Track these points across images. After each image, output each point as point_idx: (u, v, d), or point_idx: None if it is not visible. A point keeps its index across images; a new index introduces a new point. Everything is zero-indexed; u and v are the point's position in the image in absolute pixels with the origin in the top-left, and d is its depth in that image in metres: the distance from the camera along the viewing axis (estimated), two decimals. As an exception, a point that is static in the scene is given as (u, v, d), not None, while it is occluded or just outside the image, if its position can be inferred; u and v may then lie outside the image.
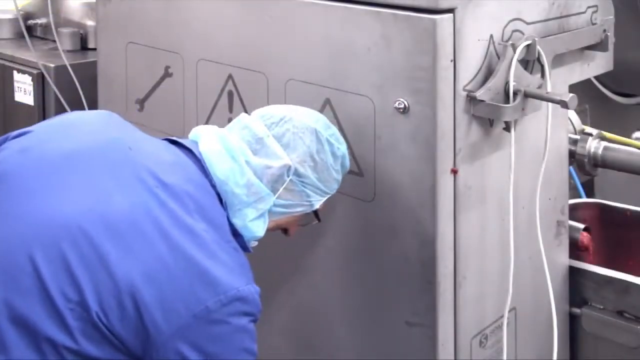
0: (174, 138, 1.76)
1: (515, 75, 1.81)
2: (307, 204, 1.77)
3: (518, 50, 1.82)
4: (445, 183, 1.80)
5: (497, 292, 1.91)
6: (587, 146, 2.26)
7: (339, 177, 1.80)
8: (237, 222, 1.70)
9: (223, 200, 1.68)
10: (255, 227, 1.72)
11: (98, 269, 1.47)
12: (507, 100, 1.82)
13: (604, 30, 2.11)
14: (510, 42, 1.83)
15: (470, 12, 1.77)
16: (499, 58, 1.83)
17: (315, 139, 1.74)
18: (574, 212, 2.33)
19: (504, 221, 1.88)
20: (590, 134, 2.28)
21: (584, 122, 2.45)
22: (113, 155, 1.62)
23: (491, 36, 1.83)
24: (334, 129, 1.80)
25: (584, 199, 2.69)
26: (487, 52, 1.82)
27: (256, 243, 1.78)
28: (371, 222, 1.91)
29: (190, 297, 1.50)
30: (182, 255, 1.52)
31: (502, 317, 1.90)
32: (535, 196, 1.92)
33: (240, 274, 1.59)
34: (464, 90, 1.79)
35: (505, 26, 1.85)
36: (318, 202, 1.79)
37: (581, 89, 2.11)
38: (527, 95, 1.82)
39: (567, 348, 2.19)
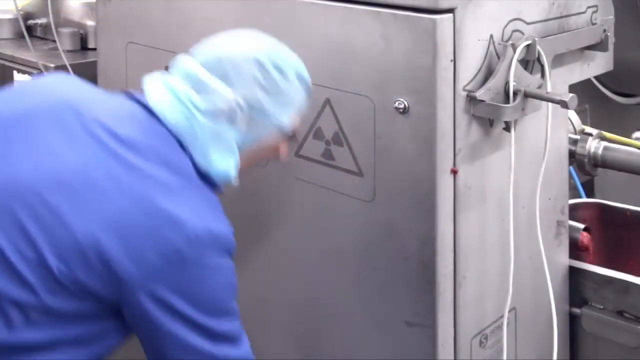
0: (130, 91, 1.75)
1: (515, 75, 1.81)
2: (275, 127, 1.75)
3: (518, 50, 1.82)
4: (445, 183, 1.80)
5: (497, 292, 1.91)
6: (587, 146, 2.26)
7: (303, 92, 1.77)
8: (202, 163, 1.67)
9: (184, 145, 1.66)
10: (223, 165, 1.69)
11: (55, 227, 1.47)
12: (507, 100, 1.82)
13: (604, 30, 2.11)
14: (510, 42, 1.83)
15: (470, 12, 1.77)
16: (499, 58, 1.83)
17: (258, 67, 1.70)
18: (574, 212, 2.33)
19: (504, 221, 1.88)
20: (590, 134, 2.28)
21: (584, 122, 2.45)
22: (63, 114, 1.60)
23: (491, 36, 1.83)
24: (279, 50, 1.76)
25: (584, 199, 2.69)
26: (487, 52, 1.82)
27: (237, 181, 1.74)
28: (371, 222, 1.91)
29: (159, 240, 1.50)
30: (144, 203, 1.52)
31: (502, 317, 1.90)
32: (535, 196, 1.92)
33: (209, 212, 1.59)
34: (464, 90, 1.79)
35: (505, 26, 1.85)
36: (287, 120, 1.76)
37: (581, 89, 2.11)
38: (527, 95, 1.82)
39: (567, 348, 2.19)
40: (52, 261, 1.46)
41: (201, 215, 1.57)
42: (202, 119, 1.68)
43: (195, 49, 1.78)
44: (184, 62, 1.74)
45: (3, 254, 1.46)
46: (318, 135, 1.95)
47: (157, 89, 1.71)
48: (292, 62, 1.76)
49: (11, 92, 1.76)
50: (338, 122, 1.90)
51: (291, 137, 1.84)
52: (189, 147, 1.66)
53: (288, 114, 1.77)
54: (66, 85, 1.74)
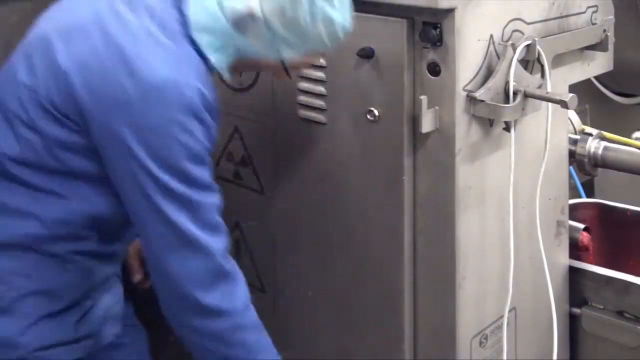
0: None
1: (515, 75, 1.81)
2: (275, 53, 1.72)
3: (518, 50, 1.82)
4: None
5: (497, 292, 1.91)
6: (587, 146, 2.26)
7: (322, 40, 1.71)
8: (196, 38, 1.67)
9: (183, 12, 1.67)
10: (213, 55, 1.69)
11: (48, 61, 1.66)
12: (507, 100, 1.82)
13: (604, 30, 2.11)
14: (510, 42, 1.83)
15: (470, 12, 1.77)
16: (499, 58, 1.83)
17: None
18: (574, 212, 2.33)
19: (504, 221, 1.88)
20: (590, 134, 2.28)
21: (584, 122, 2.45)
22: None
23: (491, 36, 1.83)
24: None
25: (584, 199, 2.69)
26: (487, 52, 1.82)
27: (227, 77, 1.74)
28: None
29: (113, 83, 1.59)
30: (113, 45, 1.61)
31: (502, 317, 1.90)
32: (535, 196, 1.92)
33: (171, 65, 1.61)
34: (464, 90, 1.79)
35: (505, 26, 1.85)
36: (289, 55, 1.73)
37: (581, 89, 2.11)
38: (527, 95, 1.82)
39: (567, 348, 2.19)
40: (42, 90, 1.65)
41: (161, 66, 1.60)
42: (216, 10, 1.67)
43: None
44: None
45: (15, 79, 1.69)
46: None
47: None
48: (330, 8, 1.68)
49: None
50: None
51: (286, 72, 1.78)
52: (190, 21, 1.67)
53: (295, 51, 1.72)
54: None
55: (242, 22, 1.67)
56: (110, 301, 1.88)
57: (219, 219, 1.68)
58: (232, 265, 1.70)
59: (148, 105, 1.59)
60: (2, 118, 1.71)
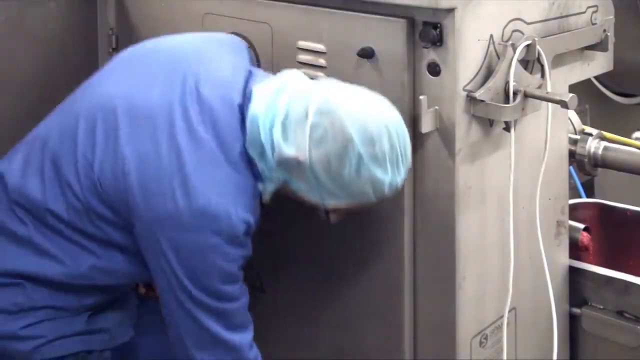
0: (255, 69, 1.83)
1: (515, 75, 1.81)
2: (318, 196, 1.73)
3: (518, 50, 1.82)
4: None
5: (497, 292, 1.91)
6: (587, 146, 2.26)
7: (367, 195, 1.69)
8: (251, 155, 1.71)
9: (245, 133, 1.71)
10: (262, 182, 1.73)
11: (110, 141, 1.70)
12: (507, 100, 1.82)
13: (604, 30, 2.11)
14: (510, 42, 1.83)
15: (470, 12, 1.77)
16: (499, 58, 1.83)
17: (342, 148, 1.64)
18: (574, 212, 2.33)
19: (504, 221, 1.88)
20: (590, 134, 2.27)
21: (584, 122, 2.44)
22: (181, 57, 1.79)
23: (491, 36, 1.82)
24: (384, 148, 1.65)
25: (584, 199, 2.69)
26: (487, 52, 1.82)
27: (268, 199, 1.77)
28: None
29: (168, 194, 1.64)
30: (175, 155, 1.66)
31: (502, 317, 1.90)
32: (535, 196, 1.92)
33: (227, 193, 1.65)
34: (464, 90, 1.79)
35: (505, 26, 1.85)
36: (331, 202, 1.73)
37: (581, 89, 2.11)
38: (527, 95, 1.82)
39: (567, 348, 2.19)
40: (97, 168, 1.69)
41: (213, 192, 1.64)
42: (267, 147, 1.69)
43: (328, 84, 1.75)
44: (308, 90, 1.71)
45: (75, 148, 1.72)
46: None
47: (271, 87, 1.73)
48: (381, 171, 1.66)
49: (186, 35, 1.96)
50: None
51: (327, 215, 1.80)
52: (249, 140, 1.70)
53: (338, 200, 1.73)
54: (213, 39, 1.91)
55: (288, 164, 1.69)
56: (123, 305, 1.91)
57: (247, 317, 1.77)
58: (255, 353, 1.79)
59: (196, 229, 1.64)
60: (56, 179, 1.74)
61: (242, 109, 1.72)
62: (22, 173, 1.78)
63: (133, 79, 1.77)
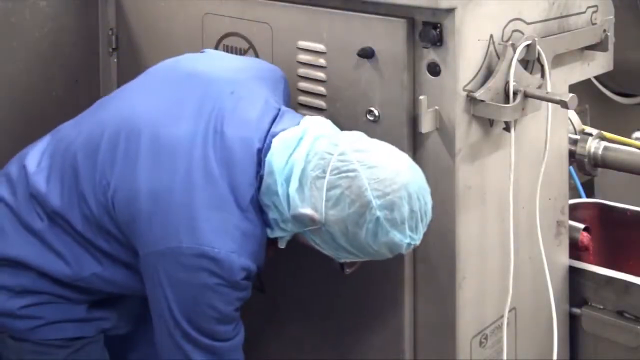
0: (285, 109, 1.80)
1: (515, 75, 1.81)
2: (332, 252, 1.71)
3: (518, 50, 1.82)
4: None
5: (497, 292, 1.91)
6: (587, 146, 2.26)
7: (383, 254, 1.69)
8: (265, 203, 1.70)
9: (261, 178, 1.69)
10: (274, 230, 1.72)
11: (129, 164, 1.70)
12: (507, 100, 1.82)
13: (604, 30, 2.11)
14: (510, 42, 1.83)
15: (470, 12, 1.77)
16: (499, 58, 1.83)
17: (359, 211, 1.62)
18: (574, 212, 2.33)
19: (504, 221, 1.88)
20: (590, 134, 2.28)
21: (584, 122, 2.44)
22: (214, 89, 1.76)
23: (491, 36, 1.83)
24: (404, 212, 1.62)
25: (584, 199, 2.69)
26: (487, 52, 1.82)
27: (283, 245, 1.77)
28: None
29: (172, 231, 1.64)
30: (188, 192, 1.64)
31: (502, 317, 1.90)
32: (535, 196, 1.92)
33: (232, 239, 1.65)
34: (464, 90, 1.79)
35: (505, 26, 1.85)
36: (346, 258, 1.72)
37: (581, 89, 2.11)
38: (527, 95, 1.82)
39: (567, 348, 2.19)
40: (111, 190, 1.70)
41: (219, 237, 1.64)
42: (281, 201, 1.67)
43: (350, 138, 1.70)
44: (326, 145, 1.68)
45: (95, 165, 1.72)
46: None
47: (290, 138, 1.70)
48: (399, 234, 1.64)
49: (220, 54, 1.99)
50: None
51: (342, 268, 1.79)
52: (263, 189, 1.68)
53: (352, 257, 1.71)
54: (251, 67, 1.89)
55: (303, 221, 1.67)
56: (126, 298, 1.92)
57: (240, 355, 1.77)
58: None
59: (194, 269, 1.64)
60: (74, 189, 1.76)
61: (261, 154, 1.70)
62: (46, 174, 1.80)
63: (163, 103, 1.76)
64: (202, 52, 1.99)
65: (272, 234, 1.73)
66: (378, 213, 1.61)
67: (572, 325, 2.19)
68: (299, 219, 1.67)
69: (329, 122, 1.79)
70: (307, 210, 1.65)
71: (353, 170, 1.63)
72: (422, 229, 1.68)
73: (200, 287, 1.65)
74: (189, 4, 2.19)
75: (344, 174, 1.63)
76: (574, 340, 2.20)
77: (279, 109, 1.78)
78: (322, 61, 1.92)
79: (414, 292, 1.90)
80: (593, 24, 2.10)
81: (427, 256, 1.86)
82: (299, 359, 2.11)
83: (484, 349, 1.93)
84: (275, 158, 1.68)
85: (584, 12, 2.08)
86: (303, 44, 1.96)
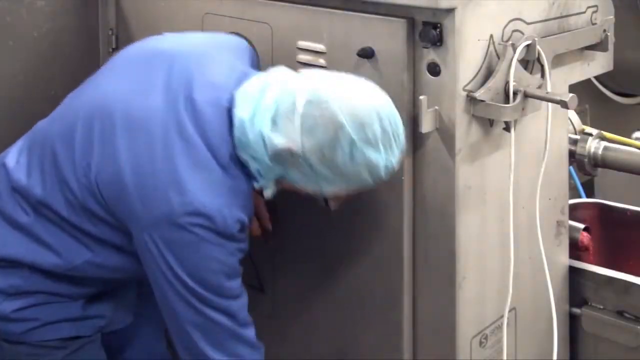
0: (250, 70, 1.84)
1: (515, 75, 1.81)
2: (315, 186, 1.74)
3: (518, 50, 1.82)
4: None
5: (497, 292, 1.91)
6: (587, 146, 2.26)
7: (363, 179, 1.71)
8: (243, 158, 1.73)
9: (233, 135, 1.72)
10: (257, 180, 1.75)
11: (107, 144, 1.72)
12: (507, 100, 1.82)
13: (604, 30, 2.11)
14: (510, 42, 1.83)
15: (470, 12, 1.77)
16: (499, 58, 1.83)
17: (334, 135, 1.66)
18: (574, 212, 2.33)
19: (504, 221, 1.88)
20: (590, 134, 2.28)
21: (584, 122, 2.45)
22: (180, 61, 1.79)
23: (491, 36, 1.82)
24: (376, 131, 1.67)
25: (584, 199, 2.69)
26: (487, 52, 1.82)
27: (270, 195, 1.78)
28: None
29: (162, 197, 1.67)
30: (169, 161, 1.68)
31: (502, 317, 1.90)
32: (535, 196, 1.92)
33: (219, 195, 1.69)
34: (464, 90, 1.79)
35: (505, 26, 1.85)
36: (328, 189, 1.75)
37: (581, 89, 2.11)
38: (527, 95, 1.82)
39: (567, 348, 2.19)
40: (94, 172, 1.73)
41: (206, 193, 1.67)
42: (257, 143, 1.70)
43: (313, 76, 1.75)
44: (294, 83, 1.72)
45: (74, 151, 1.75)
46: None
47: (255, 86, 1.74)
48: (374, 152, 1.68)
49: (183, 34, 2.00)
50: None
51: (326, 203, 1.82)
52: (238, 144, 1.72)
53: (335, 187, 1.74)
54: (212, 41, 1.94)
55: (281, 156, 1.70)
56: (122, 292, 1.94)
57: (248, 316, 1.81)
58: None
59: (191, 226, 1.67)
60: (55, 176, 1.78)
61: (231, 113, 1.73)
62: (25, 167, 1.81)
63: (132, 83, 1.79)
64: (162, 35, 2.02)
65: (258, 185, 1.76)
66: (351, 134, 1.66)
67: (572, 325, 2.19)
68: (279, 155, 1.70)
69: (291, 71, 1.81)
70: (284, 143, 1.68)
71: (325, 101, 1.67)
72: (396, 150, 1.71)
73: (199, 242, 1.68)
74: (189, 4, 2.19)
75: (315, 105, 1.67)
76: (574, 340, 2.20)
77: (244, 72, 1.81)
78: (322, 61, 1.92)
79: (414, 292, 1.90)
80: (593, 24, 2.10)
81: (427, 256, 1.86)
82: (298, 359, 2.11)
83: (484, 349, 1.93)
84: (242, 112, 1.72)
85: (584, 12, 2.08)
86: (303, 44, 1.96)
